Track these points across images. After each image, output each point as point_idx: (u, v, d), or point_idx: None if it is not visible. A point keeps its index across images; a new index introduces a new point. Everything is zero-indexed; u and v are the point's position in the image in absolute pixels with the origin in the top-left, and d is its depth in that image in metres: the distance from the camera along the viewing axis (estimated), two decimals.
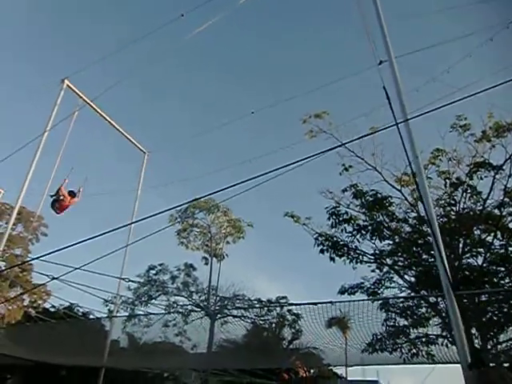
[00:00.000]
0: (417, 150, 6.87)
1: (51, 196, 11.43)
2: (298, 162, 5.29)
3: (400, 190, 14.84)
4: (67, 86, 12.82)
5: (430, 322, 12.69)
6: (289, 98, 13.04)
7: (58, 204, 11.33)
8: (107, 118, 14.33)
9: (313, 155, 5.34)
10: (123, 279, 12.15)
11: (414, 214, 14.50)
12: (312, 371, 25.52)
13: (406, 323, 12.60)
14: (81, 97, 13.17)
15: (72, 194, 11.58)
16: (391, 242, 14.50)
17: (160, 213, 5.11)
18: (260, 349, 15.10)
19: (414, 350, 11.92)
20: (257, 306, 20.36)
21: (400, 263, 14.51)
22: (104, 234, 5.26)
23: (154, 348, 18.31)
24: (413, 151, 6.77)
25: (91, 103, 13.48)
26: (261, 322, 19.05)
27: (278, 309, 18.62)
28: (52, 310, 26.49)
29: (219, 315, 19.20)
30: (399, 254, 14.39)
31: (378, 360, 12.06)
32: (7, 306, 23.83)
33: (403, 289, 14.45)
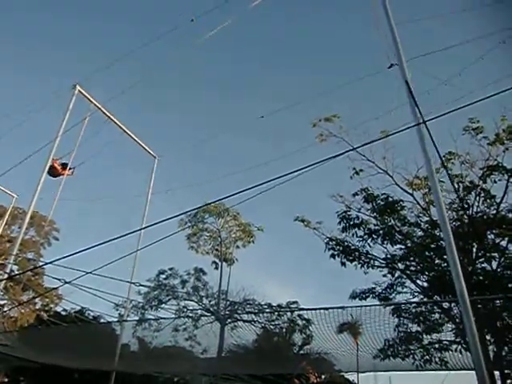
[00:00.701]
0: (429, 153, 6.81)
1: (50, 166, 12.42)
2: (308, 166, 5.26)
3: (412, 194, 14.76)
4: (79, 91, 12.99)
5: (444, 327, 12.56)
6: (298, 102, 13.05)
7: (50, 170, 12.41)
8: (118, 123, 14.48)
9: (323, 160, 5.31)
10: (134, 283, 12.22)
11: (426, 218, 14.40)
12: (323, 377, 25.34)
13: (418, 329, 12.48)
14: (92, 102, 13.33)
15: (64, 165, 12.74)
16: (403, 247, 14.40)
17: (172, 217, 5.13)
18: (270, 354, 15.05)
19: (427, 357, 11.79)
20: (267, 310, 20.30)
21: (412, 268, 14.39)
22: (115, 239, 5.29)
23: (165, 352, 18.34)
24: (425, 154, 6.71)
25: (102, 108, 13.64)
26: (271, 327, 18.96)
27: (289, 314, 18.53)
28: (63, 313, 26.71)
29: (229, 320, 19.15)
30: (411, 258, 14.27)
31: (391, 366, 11.93)
32: (20, 309, 24.10)
33: (415, 294, 14.35)
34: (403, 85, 6.99)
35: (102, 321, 22.25)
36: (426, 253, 13.86)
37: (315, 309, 9.39)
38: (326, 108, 17.27)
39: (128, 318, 18.43)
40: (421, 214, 14.58)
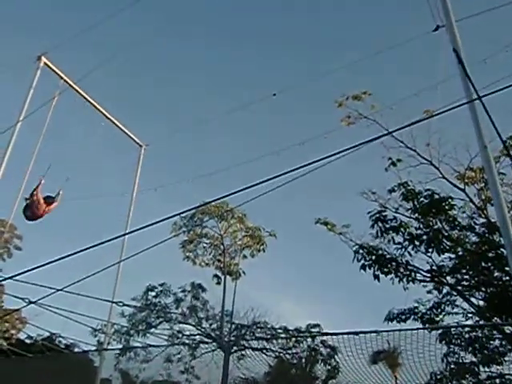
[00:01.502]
0: (485, 137, 6.78)
1: (26, 199, 11.62)
2: (332, 155, 5.26)
3: (463, 190, 14.71)
4: (45, 63, 13.06)
5: (506, 358, 12.51)
6: (320, 76, 13.02)
7: (30, 211, 11.45)
8: (94, 104, 14.54)
9: (351, 147, 5.30)
10: (116, 303, 12.29)
11: (482, 220, 14.34)
12: None
13: (473, 359, 12.44)
14: (62, 77, 13.40)
15: (49, 199, 11.63)
16: (453, 256, 14.35)
17: (162, 220, 5.16)
18: None
19: None
20: (282, 336, 20.38)
21: (465, 282, 14.34)
22: (92, 247, 5.35)
23: None
24: (480, 139, 6.67)
25: (75, 85, 13.71)
26: (287, 357, 19.07)
27: (309, 340, 18.60)
28: (28, 341, 27.04)
29: (235, 348, 19.25)
30: (463, 270, 14.22)
31: None
32: None
33: (469, 315, 14.29)
34: (452, 52, 6.95)
35: (76, 350, 22.51)
36: (483, 263, 13.80)
37: (342, 333, 9.39)
38: (353, 84, 17.28)
39: (109, 347, 18.61)
40: (475, 215, 14.52)
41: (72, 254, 5.38)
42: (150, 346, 20.92)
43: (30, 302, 8.57)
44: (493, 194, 6.63)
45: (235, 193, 4.89)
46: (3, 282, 21.42)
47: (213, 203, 21.49)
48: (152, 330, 21.89)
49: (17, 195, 12.08)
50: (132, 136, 16.12)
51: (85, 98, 14.20)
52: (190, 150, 33.33)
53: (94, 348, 19.19)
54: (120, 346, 21.02)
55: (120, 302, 11.48)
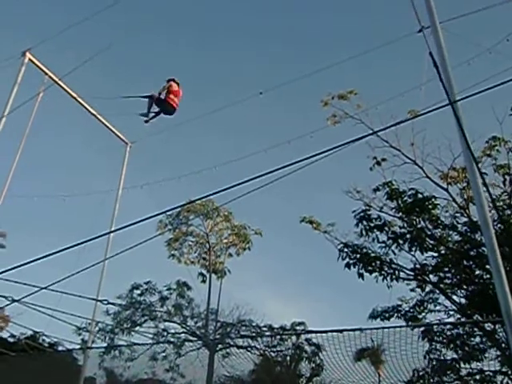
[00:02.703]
0: (468, 137, 6.86)
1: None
2: (317, 154, 5.30)
3: (446, 189, 14.83)
4: (29, 60, 12.93)
5: (486, 354, 12.67)
6: (306, 75, 13.01)
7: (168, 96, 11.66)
8: (80, 100, 14.43)
9: (336, 146, 5.35)
10: (100, 301, 12.23)
11: (464, 219, 14.50)
12: None
13: (454, 356, 12.59)
14: (46, 73, 13.27)
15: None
16: (435, 254, 14.50)
17: (147, 218, 5.16)
18: None
19: None
20: (267, 333, 20.43)
21: (447, 280, 14.49)
22: (77, 245, 5.33)
23: None
24: (463, 139, 6.75)
25: (60, 82, 13.59)
26: (272, 355, 19.10)
27: (294, 338, 18.68)
28: (11, 340, 26.76)
29: (220, 346, 19.28)
30: (446, 268, 14.37)
31: None
32: None
33: (451, 313, 14.46)
34: (435, 53, 7.03)
35: (60, 348, 22.32)
36: (465, 262, 13.97)
37: (327, 331, 9.45)
38: (340, 83, 17.36)
39: (93, 345, 18.49)
40: (458, 214, 14.67)
41: (57, 252, 5.35)
42: (135, 344, 20.84)
43: (14, 301, 8.50)
44: (474, 194, 6.71)
45: (221, 191, 4.91)
46: None
47: (198, 201, 21.52)
48: (137, 328, 21.81)
49: (0, 193, 11.97)
50: (117, 133, 16.01)
51: (70, 94, 14.08)
52: (175, 148, 33.30)
53: (78, 346, 19.05)
54: (104, 345, 20.90)
55: (105, 300, 11.42)
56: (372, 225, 14.66)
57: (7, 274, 7.39)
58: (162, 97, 11.88)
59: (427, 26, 7.58)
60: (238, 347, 19.01)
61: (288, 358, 18.82)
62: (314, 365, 17.19)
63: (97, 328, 20.02)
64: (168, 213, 22.95)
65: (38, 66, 13.20)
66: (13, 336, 26.63)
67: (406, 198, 14.60)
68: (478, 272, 13.79)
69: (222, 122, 31.15)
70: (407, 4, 7.06)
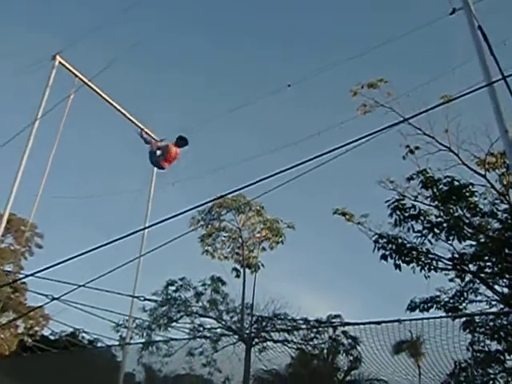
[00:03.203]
0: (506, 121, 6.67)
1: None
2: (348, 144, 5.22)
3: (484, 176, 14.52)
4: (60, 62, 13.15)
5: None
6: (334, 65, 12.87)
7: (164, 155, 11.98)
8: (110, 101, 14.63)
9: (367, 135, 5.24)
10: (137, 297, 12.44)
11: (504, 206, 14.16)
12: None
13: (499, 347, 12.30)
14: (77, 76, 13.49)
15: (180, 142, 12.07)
16: (474, 243, 14.21)
17: (179, 214, 5.17)
18: (309, 381, 15.14)
19: None
20: (303, 327, 20.40)
21: (487, 269, 14.19)
22: (112, 242, 5.38)
23: (178, 382, 18.65)
24: (501, 123, 6.56)
25: (90, 83, 13.80)
26: (309, 348, 19.05)
27: (331, 330, 18.58)
28: (52, 337, 27.51)
29: (256, 340, 19.33)
30: (486, 257, 14.07)
31: None
32: None
33: (493, 303, 14.14)
34: (469, 35, 6.83)
35: (99, 345, 22.80)
36: (506, 250, 13.63)
37: (364, 323, 9.39)
38: (369, 72, 17.13)
39: (131, 341, 18.81)
40: (497, 201, 14.34)
41: (93, 250, 5.42)
42: (172, 339, 21.10)
43: (54, 299, 8.69)
44: None
45: (252, 184, 4.87)
46: (26, 280, 21.81)
47: (229, 196, 21.59)
48: (173, 324, 22.06)
49: (36, 194, 12.24)
50: (148, 132, 16.18)
51: (100, 95, 14.29)
52: (205, 144, 33.47)
53: (116, 343, 19.41)
54: (142, 341, 21.22)
55: (141, 296, 11.61)
56: (406, 214, 14.44)
57: (46, 274, 7.55)
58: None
59: (459, 8, 7.40)
60: (275, 341, 19.05)
61: (325, 351, 18.73)
62: (351, 358, 17.07)
63: (134, 324, 20.33)
64: (200, 208, 23.15)
65: (68, 69, 13.45)
66: (54, 334, 27.42)
67: (441, 186, 14.33)
68: None
69: (249, 118, 31.21)
70: None
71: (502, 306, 14.08)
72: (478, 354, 11.95)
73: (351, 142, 5.18)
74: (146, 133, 13.53)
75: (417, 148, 15.42)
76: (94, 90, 14.06)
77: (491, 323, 12.57)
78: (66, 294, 8.40)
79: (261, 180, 4.84)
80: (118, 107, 14.83)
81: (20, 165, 11.71)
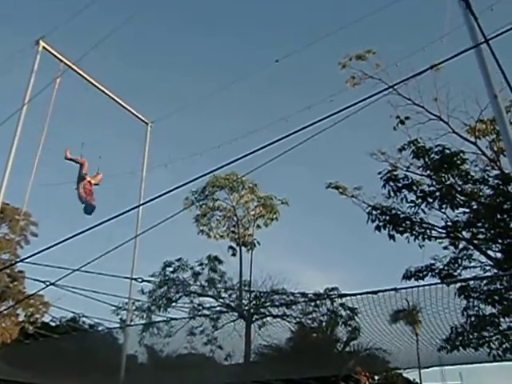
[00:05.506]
0: (495, 86, 6.63)
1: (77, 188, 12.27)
2: (337, 112, 5.17)
3: (475, 143, 14.54)
4: (44, 47, 12.94)
5: None
6: (320, 38, 12.72)
7: (83, 188, 12.18)
8: (96, 84, 14.46)
9: (355, 103, 5.22)
10: (135, 279, 12.45)
11: (495, 172, 14.20)
12: (376, 378, 25.81)
13: (493, 311, 12.47)
14: (61, 60, 13.29)
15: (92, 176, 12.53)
16: (467, 210, 14.27)
17: (171, 191, 5.16)
18: (310, 354, 15.33)
19: (507, 344, 11.84)
20: (301, 300, 20.56)
21: (481, 236, 14.29)
22: (106, 221, 5.37)
23: (180, 361, 18.85)
24: (490, 89, 6.53)
25: (75, 67, 13.62)
26: (308, 321, 19.28)
27: (329, 303, 18.76)
28: (53, 323, 27.65)
29: (255, 316, 19.54)
30: (479, 224, 14.15)
31: (461, 359, 12.08)
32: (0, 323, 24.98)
33: (487, 268, 14.27)
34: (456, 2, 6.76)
35: (100, 328, 22.93)
36: (498, 215, 13.71)
37: (361, 293, 9.46)
38: (356, 43, 16.98)
39: (132, 323, 18.92)
40: (488, 168, 14.38)
41: (86, 230, 5.41)
42: (172, 319, 21.26)
43: (50, 284, 8.72)
44: (505, 144, 6.52)
45: (243, 157, 4.85)
46: (23, 268, 21.83)
47: (222, 174, 21.59)
48: (172, 304, 22.20)
49: (27, 182, 12.15)
50: (137, 114, 16.06)
51: (86, 79, 14.11)
52: (193, 127, 33.29)
53: (117, 325, 19.52)
54: (143, 322, 21.37)
55: (139, 277, 11.63)
56: (399, 185, 14.45)
57: (43, 260, 7.55)
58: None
59: None
60: (274, 316, 19.28)
61: (324, 323, 18.97)
62: (350, 329, 17.27)
63: (134, 307, 20.45)
64: (193, 189, 23.16)
65: (52, 54, 13.23)
66: (54, 320, 27.55)
67: (433, 155, 14.33)
68: None
69: (238, 99, 30.96)
70: None
71: (495, 271, 14.22)
72: (473, 319, 12.11)
73: (339, 111, 5.15)
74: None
75: (407, 118, 15.38)
76: (80, 74, 13.90)
77: (485, 288, 12.72)
78: (61, 278, 8.41)
79: (252, 153, 4.81)
80: (105, 90, 14.69)
81: (9, 154, 11.59)
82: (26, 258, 7.24)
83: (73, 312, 24.63)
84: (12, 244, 26.75)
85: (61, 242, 5.43)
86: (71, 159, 12.86)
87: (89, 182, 12.30)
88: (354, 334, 16.52)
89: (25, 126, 12.09)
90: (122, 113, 15.69)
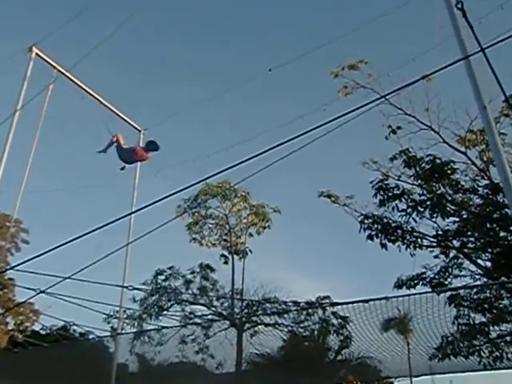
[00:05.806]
0: (484, 98, 6.71)
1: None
2: (329, 122, 5.21)
3: (465, 153, 14.66)
4: (36, 54, 12.92)
5: None
6: (314, 48, 12.80)
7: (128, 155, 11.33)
8: (89, 91, 14.44)
9: (348, 112, 5.27)
10: (126, 287, 12.38)
11: (484, 182, 14.32)
12: None
13: (483, 319, 12.53)
14: (55, 67, 13.27)
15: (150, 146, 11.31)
16: (457, 219, 14.37)
17: (163, 198, 5.17)
18: (301, 362, 15.32)
19: (497, 353, 11.88)
20: (293, 309, 20.55)
21: (471, 245, 14.37)
22: (97, 229, 5.37)
23: (171, 370, 18.73)
24: (479, 100, 6.60)
25: (68, 74, 13.60)
26: (300, 330, 19.24)
27: (320, 312, 18.75)
28: (43, 332, 27.37)
29: (247, 325, 19.47)
30: (469, 233, 14.24)
31: (452, 367, 12.09)
32: None
33: (477, 277, 14.35)
34: (445, 11, 6.84)
35: (91, 337, 22.72)
36: (488, 225, 13.81)
37: (352, 302, 9.45)
38: (349, 54, 17.13)
39: (123, 332, 18.79)
40: (478, 177, 14.49)
41: (78, 238, 5.41)
42: (163, 327, 21.16)
43: (41, 291, 8.65)
44: (494, 155, 6.59)
45: (236, 165, 4.87)
46: (14, 276, 21.65)
47: (215, 183, 21.58)
48: (164, 312, 22.09)
49: (19, 189, 12.08)
50: (130, 121, 16.04)
51: (79, 86, 14.09)
52: (186, 134, 33.26)
53: (108, 334, 19.36)
54: (134, 330, 21.24)
55: (130, 285, 11.55)
56: (390, 194, 14.55)
57: (34, 268, 7.52)
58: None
59: None
60: (266, 325, 19.22)
61: (315, 332, 18.94)
62: (341, 337, 17.27)
63: (125, 315, 20.32)
64: (185, 197, 23.13)
65: (45, 61, 13.20)
66: (44, 328, 27.27)
67: (423, 165, 14.45)
68: (502, 234, 13.65)
69: (230, 108, 31.04)
70: None
71: (485, 280, 14.29)
72: (464, 327, 12.16)
73: (332, 120, 5.19)
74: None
75: (399, 128, 15.49)
76: (73, 81, 13.87)
77: (475, 296, 12.79)
78: (52, 286, 8.36)
79: (245, 161, 4.83)
80: (98, 97, 14.66)
81: (1, 160, 11.53)
82: (17, 266, 7.20)
83: (63, 320, 24.38)
84: (2, 251, 26.52)
85: (52, 250, 5.42)
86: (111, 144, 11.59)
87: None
88: (346, 342, 16.51)
89: (16, 132, 12.05)
90: (115, 120, 15.68)
